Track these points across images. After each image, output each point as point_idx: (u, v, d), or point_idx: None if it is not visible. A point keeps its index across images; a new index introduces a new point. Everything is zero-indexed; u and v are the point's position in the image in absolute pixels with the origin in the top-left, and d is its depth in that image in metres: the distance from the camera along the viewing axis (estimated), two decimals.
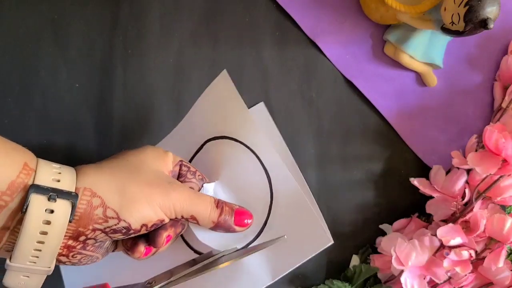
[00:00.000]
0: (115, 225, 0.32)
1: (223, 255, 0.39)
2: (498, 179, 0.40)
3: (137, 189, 0.33)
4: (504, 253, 0.39)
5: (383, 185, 0.46)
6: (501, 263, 0.39)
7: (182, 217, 0.36)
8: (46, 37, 0.47)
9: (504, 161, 0.39)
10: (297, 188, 0.40)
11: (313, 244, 0.40)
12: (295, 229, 0.40)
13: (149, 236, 0.36)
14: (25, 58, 0.48)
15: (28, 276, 0.31)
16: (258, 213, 0.41)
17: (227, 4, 0.47)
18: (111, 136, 0.46)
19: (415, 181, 0.44)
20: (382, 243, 0.44)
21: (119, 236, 0.34)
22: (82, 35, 0.47)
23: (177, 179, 0.38)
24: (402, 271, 0.41)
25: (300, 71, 0.46)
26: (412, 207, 0.46)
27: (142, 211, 0.33)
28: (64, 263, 0.33)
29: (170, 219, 0.36)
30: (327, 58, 0.46)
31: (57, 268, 0.46)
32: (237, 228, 0.38)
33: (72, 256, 0.33)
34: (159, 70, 0.47)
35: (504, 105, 0.42)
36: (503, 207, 0.42)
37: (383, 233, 0.46)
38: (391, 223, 0.46)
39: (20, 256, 0.30)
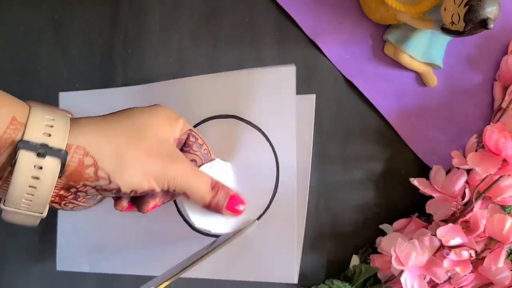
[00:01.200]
0: (106, 185, 0.32)
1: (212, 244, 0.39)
2: (498, 179, 0.40)
3: (134, 156, 0.33)
4: (504, 253, 0.39)
5: (383, 185, 0.46)
6: (501, 263, 0.39)
7: (174, 191, 0.35)
8: (46, 37, 0.47)
9: (504, 161, 0.39)
10: (293, 213, 0.40)
11: (277, 273, 0.40)
12: (273, 248, 0.40)
13: (136, 200, 0.36)
14: (25, 58, 0.48)
15: (24, 216, 0.32)
16: (258, 204, 0.40)
17: (227, 4, 0.47)
18: None
19: (415, 181, 0.44)
20: (382, 243, 0.44)
21: (109, 194, 0.34)
22: (82, 35, 0.47)
23: (182, 148, 0.38)
24: (402, 271, 0.41)
25: (300, 71, 0.46)
26: (412, 207, 0.46)
27: (134, 178, 0.33)
28: (57, 209, 0.34)
29: (162, 190, 0.35)
30: (327, 58, 0.46)
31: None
32: (227, 212, 0.38)
33: (64, 205, 0.33)
34: (159, 70, 0.47)
35: (504, 105, 0.42)
36: (503, 207, 0.42)
37: (383, 233, 0.46)
38: (391, 223, 0.46)
39: (12, 202, 0.31)
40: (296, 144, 0.40)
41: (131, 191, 0.33)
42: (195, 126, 0.43)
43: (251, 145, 0.41)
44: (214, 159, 0.39)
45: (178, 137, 0.37)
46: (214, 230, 0.40)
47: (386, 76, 0.45)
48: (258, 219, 0.40)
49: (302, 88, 0.46)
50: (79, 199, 0.34)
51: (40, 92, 0.48)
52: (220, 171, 0.40)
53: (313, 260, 0.47)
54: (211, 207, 0.37)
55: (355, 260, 0.46)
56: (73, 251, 0.47)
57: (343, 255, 0.47)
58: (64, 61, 0.48)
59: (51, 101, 0.47)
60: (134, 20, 0.47)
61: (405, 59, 0.44)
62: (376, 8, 0.42)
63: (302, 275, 0.47)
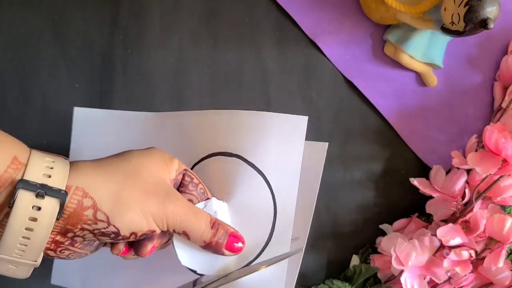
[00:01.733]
0: (104, 228, 0.32)
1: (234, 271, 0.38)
2: (498, 179, 0.40)
3: (133, 196, 0.32)
4: (504, 253, 0.39)
5: (383, 185, 0.46)
6: (501, 263, 0.39)
7: (174, 230, 0.35)
8: (46, 37, 0.47)
9: (504, 161, 0.39)
10: (284, 265, 0.39)
11: None
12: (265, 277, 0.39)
13: (134, 243, 0.36)
14: (25, 58, 0.48)
15: (16, 266, 0.31)
16: (258, 238, 0.39)
17: (227, 4, 0.47)
18: None
19: (415, 181, 0.44)
20: (382, 243, 0.44)
21: (107, 240, 0.33)
22: (82, 35, 0.47)
23: (178, 188, 0.37)
24: (402, 271, 0.41)
25: (300, 71, 0.46)
26: (412, 207, 0.46)
27: (134, 219, 0.32)
28: (52, 257, 0.33)
29: (161, 231, 0.35)
30: (327, 58, 0.46)
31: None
32: (226, 252, 0.37)
33: (60, 252, 0.33)
34: (159, 70, 0.47)
35: (504, 105, 0.42)
36: (503, 207, 0.42)
37: (383, 233, 0.46)
38: (391, 223, 0.46)
39: (5, 249, 0.30)
40: (301, 190, 0.39)
41: (131, 234, 0.33)
42: (199, 161, 0.42)
43: (251, 188, 0.40)
44: (210, 198, 0.39)
45: (174, 177, 0.37)
46: (200, 270, 0.38)
47: (386, 76, 0.45)
48: (249, 264, 0.39)
49: (302, 88, 0.46)
50: (76, 245, 0.33)
51: (40, 92, 0.48)
52: (216, 210, 0.39)
53: (313, 260, 0.47)
54: (212, 246, 0.36)
55: (355, 260, 0.46)
56: (68, 267, 0.46)
57: (343, 255, 0.47)
58: (64, 61, 0.48)
59: (51, 102, 0.47)
60: (134, 20, 0.47)
61: (405, 59, 0.44)
62: (376, 8, 0.42)
63: (302, 275, 0.47)
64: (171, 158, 0.37)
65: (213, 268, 0.38)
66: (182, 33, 0.47)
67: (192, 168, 0.42)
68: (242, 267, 0.39)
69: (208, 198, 0.39)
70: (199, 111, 0.43)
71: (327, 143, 0.42)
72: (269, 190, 0.40)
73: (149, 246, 0.35)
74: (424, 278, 0.42)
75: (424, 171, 0.45)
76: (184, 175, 0.38)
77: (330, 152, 0.46)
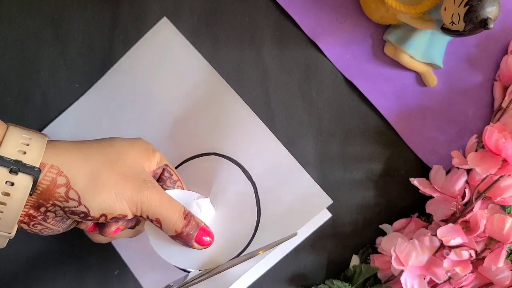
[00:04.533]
0: (75, 207, 0.32)
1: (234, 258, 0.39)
2: (498, 179, 0.40)
3: (109, 178, 0.33)
4: (504, 253, 0.39)
5: (383, 185, 0.46)
6: (501, 263, 0.39)
7: (147, 217, 0.35)
8: (46, 37, 0.47)
9: (504, 161, 0.39)
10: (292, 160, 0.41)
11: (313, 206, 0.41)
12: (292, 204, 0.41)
13: (99, 223, 0.36)
14: (25, 58, 0.48)
15: None
16: (245, 230, 0.40)
17: (227, 4, 0.47)
18: None
19: (415, 181, 0.44)
20: (382, 243, 0.44)
21: (76, 218, 0.33)
22: (82, 35, 0.47)
23: (157, 182, 0.38)
24: (402, 271, 0.41)
25: (300, 71, 0.46)
26: (412, 207, 0.46)
27: (107, 201, 0.33)
28: (25, 230, 0.34)
29: (134, 216, 0.35)
30: (327, 58, 0.46)
31: None
32: (195, 244, 0.37)
33: (33, 226, 0.33)
34: None
35: (504, 105, 0.42)
36: (503, 207, 0.42)
37: (383, 233, 0.46)
38: (391, 223, 0.46)
39: None
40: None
41: (101, 216, 0.33)
42: (188, 160, 0.44)
43: (232, 183, 0.41)
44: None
45: (154, 169, 0.37)
46: (174, 262, 0.39)
47: (386, 76, 0.45)
48: (238, 255, 0.40)
49: (302, 88, 0.46)
50: (48, 220, 0.33)
51: (40, 92, 0.48)
52: (201, 207, 0.39)
53: (313, 260, 0.47)
54: (182, 236, 0.36)
55: (355, 260, 0.46)
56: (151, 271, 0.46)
57: (343, 255, 0.47)
58: (64, 61, 0.48)
59: (51, 101, 0.47)
60: (134, 20, 0.47)
61: (405, 59, 0.44)
62: (376, 8, 0.42)
63: (302, 275, 0.47)
64: (154, 151, 0.37)
65: (197, 262, 0.39)
66: (182, 33, 0.47)
67: (177, 167, 0.43)
68: (231, 259, 0.39)
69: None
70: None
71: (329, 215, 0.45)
72: (250, 183, 0.41)
73: (113, 227, 0.36)
74: (424, 278, 0.42)
75: (424, 171, 0.45)
76: (164, 170, 0.38)
77: (330, 152, 0.46)
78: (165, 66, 0.45)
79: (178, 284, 0.37)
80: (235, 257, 0.39)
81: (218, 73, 0.46)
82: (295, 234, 0.39)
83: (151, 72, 0.45)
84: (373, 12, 0.44)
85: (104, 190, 0.32)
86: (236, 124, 0.43)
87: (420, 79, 0.45)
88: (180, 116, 0.45)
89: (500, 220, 0.39)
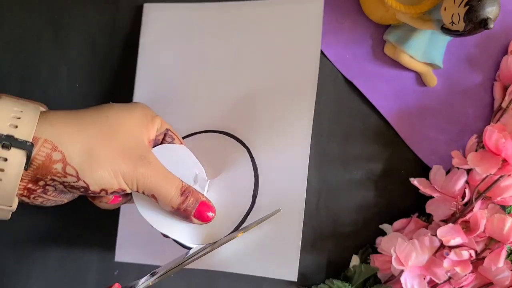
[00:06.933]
0: (74, 182, 0.32)
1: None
2: (498, 179, 0.40)
3: (105, 154, 0.32)
4: (504, 253, 0.39)
5: (383, 185, 0.46)
6: (501, 263, 0.39)
7: (143, 192, 0.35)
8: (46, 37, 0.47)
9: (504, 161, 0.39)
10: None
11: (278, 270, 0.40)
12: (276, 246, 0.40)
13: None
14: (25, 58, 0.48)
15: None
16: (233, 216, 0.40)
17: None
18: None
19: (415, 181, 0.44)
20: (382, 243, 0.44)
21: (77, 192, 0.33)
22: (82, 35, 0.47)
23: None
24: (402, 271, 0.41)
25: None
26: (412, 207, 0.46)
27: (104, 177, 0.32)
28: (27, 203, 0.33)
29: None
30: (327, 58, 0.46)
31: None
32: (195, 220, 0.37)
33: (34, 198, 0.33)
34: None
35: (504, 105, 0.42)
36: (503, 207, 0.42)
37: (383, 233, 0.46)
38: (391, 223, 0.46)
39: None
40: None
41: (101, 190, 0.33)
42: (193, 134, 0.43)
43: (232, 159, 0.41)
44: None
45: (154, 138, 0.36)
46: (172, 235, 0.38)
47: (386, 76, 0.45)
48: (236, 229, 0.39)
49: None
50: (48, 193, 0.33)
51: (40, 92, 0.48)
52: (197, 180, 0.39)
53: (313, 260, 0.47)
54: (180, 212, 0.36)
55: (355, 260, 0.46)
56: (132, 243, 0.46)
57: (343, 255, 0.47)
58: (64, 61, 0.48)
59: (51, 101, 0.47)
60: (134, 20, 0.47)
61: (405, 59, 0.44)
62: (376, 8, 0.42)
63: (302, 275, 0.47)
64: (154, 117, 0.36)
65: (185, 235, 0.38)
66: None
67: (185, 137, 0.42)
68: (227, 235, 0.39)
69: None
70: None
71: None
72: (251, 162, 0.41)
73: (110, 197, 0.36)
74: (424, 278, 0.42)
75: (424, 171, 0.45)
76: (165, 135, 0.37)
77: (330, 152, 0.46)
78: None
79: (166, 268, 0.36)
80: (231, 233, 0.39)
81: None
82: (278, 210, 0.38)
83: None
84: (373, 12, 0.44)
85: (101, 167, 0.32)
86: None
87: (420, 79, 0.45)
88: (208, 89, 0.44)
89: (500, 220, 0.39)
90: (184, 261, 0.35)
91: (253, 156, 0.41)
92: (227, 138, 0.42)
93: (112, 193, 0.34)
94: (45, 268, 0.49)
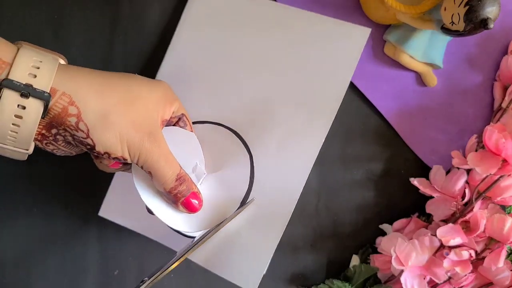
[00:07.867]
0: (83, 138, 0.33)
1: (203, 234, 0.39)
2: (498, 179, 0.40)
3: (118, 121, 0.33)
4: (504, 253, 0.39)
5: (383, 185, 0.46)
6: (501, 263, 0.39)
7: (142, 167, 0.36)
8: (46, 37, 0.47)
9: (504, 161, 0.39)
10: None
11: (240, 277, 0.40)
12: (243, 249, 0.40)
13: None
14: None
15: (12, 151, 0.33)
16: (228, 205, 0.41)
17: None
18: None
19: (415, 181, 0.44)
20: (382, 243, 0.44)
21: (83, 148, 0.34)
22: (82, 35, 0.47)
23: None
24: (402, 271, 0.41)
25: None
26: (412, 207, 0.46)
27: (111, 141, 0.33)
28: (40, 148, 0.34)
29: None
30: None
31: None
32: (181, 207, 0.38)
33: (46, 144, 0.34)
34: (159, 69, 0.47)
35: (504, 105, 0.42)
36: (503, 207, 0.42)
37: (383, 233, 0.46)
38: (391, 223, 0.46)
39: None
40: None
41: (104, 153, 0.34)
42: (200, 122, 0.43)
43: (233, 161, 0.41)
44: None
45: (168, 118, 0.37)
46: (157, 213, 0.39)
47: (386, 76, 0.45)
48: (212, 230, 0.40)
49: None
50: (58, 143, 0.34)
51: None
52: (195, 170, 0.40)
53: (313, 260, 0.47)
54: (170, 196, 0.37)
55: (355, 260, 0.46)
56: (119, 202, 0.46)
57: (343, 255, 0.47)
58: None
59: None
60: (134, 20, 0.47)
61: (405, 59, 0.44)
62: (376, 8, 0.42)
63: (302, 275, 0.47)
64: (174, 99, 0.38)
65: (179, 222, 0.39)
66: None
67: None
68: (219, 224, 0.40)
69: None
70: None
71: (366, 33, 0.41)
72: (248, 154, 0.41)
73: (112, 160, 0.36)
74: (424, 278, 0.42)
75: (424, 171, 0.45)
76: (179, 119, 0.39)
77: (330, 152, 0.46)
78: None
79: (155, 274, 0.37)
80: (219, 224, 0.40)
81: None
82: (252, 200, 0.40)
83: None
84: (373, 12, 0.44)
85: (110, 131, 0.33)
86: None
87: (420, 79, 0.45)
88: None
89: (500, 220, 0.39)
90: (168, 267, 0.36)
91: (254, 165, 0.41)
92: (234, 138, 0.42)
93: (114, 158, 0.35)
94: (45, 268, 0.49)
